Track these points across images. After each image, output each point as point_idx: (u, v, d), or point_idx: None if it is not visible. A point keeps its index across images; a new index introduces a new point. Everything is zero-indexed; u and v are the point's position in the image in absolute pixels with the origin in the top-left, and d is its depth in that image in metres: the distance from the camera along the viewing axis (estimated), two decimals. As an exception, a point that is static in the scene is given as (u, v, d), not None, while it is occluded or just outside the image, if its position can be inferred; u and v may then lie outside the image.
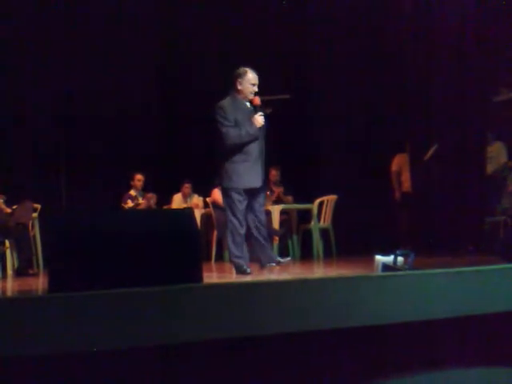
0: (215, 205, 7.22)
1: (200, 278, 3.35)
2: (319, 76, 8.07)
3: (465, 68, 6.74)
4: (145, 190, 7.67)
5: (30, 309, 2.45)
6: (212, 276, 5.57)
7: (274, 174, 7.88)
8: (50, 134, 7.45)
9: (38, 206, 6.44)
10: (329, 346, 2.79)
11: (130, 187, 7.66)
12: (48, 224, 4.14)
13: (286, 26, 8.00)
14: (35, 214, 6.34)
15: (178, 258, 3.33)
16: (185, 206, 7.66)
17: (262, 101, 5.09)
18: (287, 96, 7.37)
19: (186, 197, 8.05)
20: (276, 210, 7.38)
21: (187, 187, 8.01)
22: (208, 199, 7.45)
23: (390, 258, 3.69)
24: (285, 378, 2.79)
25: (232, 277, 5.37)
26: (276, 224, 7.30)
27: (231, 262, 5.30)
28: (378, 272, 3.91)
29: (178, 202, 7.98)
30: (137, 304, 2.77)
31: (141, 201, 7.45)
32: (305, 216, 7.57)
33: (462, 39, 6.68)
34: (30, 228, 6.21)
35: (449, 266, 3.87)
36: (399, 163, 7.57)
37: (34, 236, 6.29)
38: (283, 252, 7.27)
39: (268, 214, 7.41)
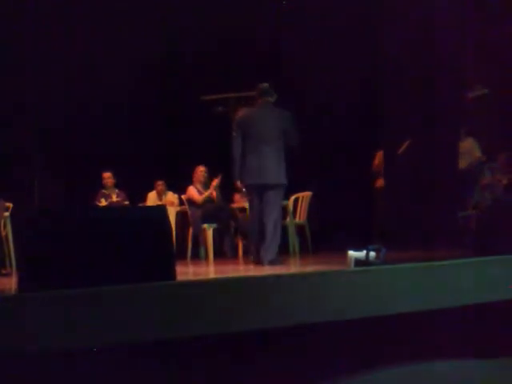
0: (190, 202, 7.22)
1: (173, 275, 3.34)
2: (297, 73, 8.10)
3: (438, 65, 6.81)
4: (118, 187, 7.62)
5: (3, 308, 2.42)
6: (188, 273, 5.55)
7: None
8: (23, 131, 7.37)
9: (10, 205, 6.36)
10: (311, 341, 2.80)
11: (102, 186, 7.61)
12: (20, 222, 4.09)
13: (271, 23, 8.01)
14: (7, 213, 6.25)
15: (150, 255, 3.32)
16: (159, 203, 7.63)
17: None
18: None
19: (160, 194, 8.02)
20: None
21: (160, 184, 7.99)
22: (183, 196, 7.43)
23: (362, 253, 3.72)
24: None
25: (207, 275, 5.37)
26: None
27: None
28: (351, 267, 3.94)
29: (152, 199, 7.95)
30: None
31: (115, 198, 7.41)
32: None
33: (433, 37, 6.75)
34: (2, 227, 6.13)
35: (420, 260, 3.90)
36: (380, 159, 7.65)
37: (6, 235, 6.20)
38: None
39: (243, 210, 7.45)
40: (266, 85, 5.48)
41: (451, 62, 6.68)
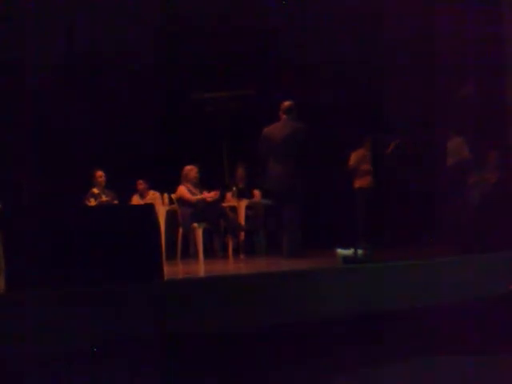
0: (181, 201, 7.20)
1: (161, 272, 3.34)
2: (284, 73, 8.11)
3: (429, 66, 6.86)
4: (107, 187, 7.60)
5: None
6: (177, 272, 5.56)
7: (241, 171, 7.94)
8: (13, 130, 7.34)
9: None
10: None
11: (92, 185, 7.58)
12: (8, 221, 4.07)
13: (257, 19, 8.00)
14: (-5, 212, 6.21)
15: (138, 254, 3.31)
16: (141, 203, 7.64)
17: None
18: (252, 91, 7.44)
19: (141, 194, 8.01)
20: (242, 206, 7.39)
21: (141, 183, 8.00)
22: (173, 195, 7.41)
23: (350, 251, 3.74)
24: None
25: (197, 274, 5.37)
26: (242, 219, 7.32)
27: None
28: (340, 264, 3.97)
29: (136, 201, 7.95)
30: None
31: (104, 198, 7.38)
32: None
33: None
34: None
35: (407, 258, 3.93)
36: (357, 159, 7.66)
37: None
38: (250, 247, 7.30)
39: (234, 209, 7.45)
40: (287, 103, 6.32)
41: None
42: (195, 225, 6.92)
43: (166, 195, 7.80)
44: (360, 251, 3.70)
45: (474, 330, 3.08)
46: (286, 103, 6.32)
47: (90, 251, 3.36)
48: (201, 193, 7.23)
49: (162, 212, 7.12)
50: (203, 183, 7.38)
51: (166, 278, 3.53)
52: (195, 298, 2.91)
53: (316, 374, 2.87)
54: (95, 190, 7.51)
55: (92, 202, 7.29)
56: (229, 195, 7.73)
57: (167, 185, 7.62)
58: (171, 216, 7.54)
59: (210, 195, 7.13)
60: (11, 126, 7.41)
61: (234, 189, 7.81)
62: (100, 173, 7.52)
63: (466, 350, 3.03)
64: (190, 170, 7.30)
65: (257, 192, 7.89)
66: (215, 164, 7.76)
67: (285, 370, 2.87)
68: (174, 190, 7.40)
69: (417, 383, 2.90)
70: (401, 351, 2.94)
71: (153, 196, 7.95)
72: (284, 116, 6.31)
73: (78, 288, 2.99)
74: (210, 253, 7.20)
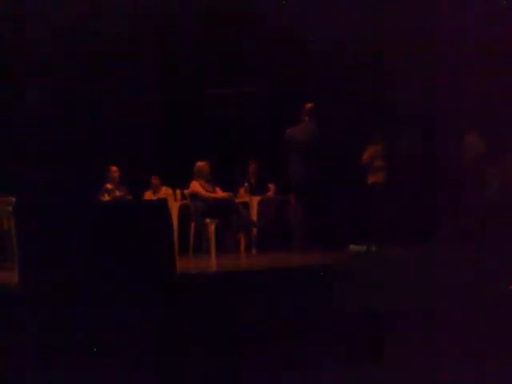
0: (194, 196, 7.21)
1: (174, 266, 3.35)
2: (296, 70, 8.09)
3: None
4: (120, 183, 7.63)
5: None
6: (189, 267, 5.57)
7: (253, 166, 7.94)
8: (24, 124, 7.39)
9: (12, 199, 6.36)
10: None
11: (105, 180, 7.62)
12: (22, 217, 4.11)
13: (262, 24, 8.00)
14: (9, 208, 6.26)
15: (151, 249, 3.33)
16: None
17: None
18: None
19: (154, 190, 8.05)
20: (254, 202, 7.39)
21: (155, 178, 8.05)
22: (186, 191, 7.43)
23: (363, 247, 3.73)
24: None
25: (210, 269, 5.38)
26: (254, 215, 7.32)
27: None
28: (352, 260, 3.96)
29: (148, 197, 7.99)
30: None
31: (118, 193, 7.41)
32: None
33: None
34: (5, 222, 6.14)
35: (420, 254, 3.92)
36: (370, 155, 7.62)
37: (9, 230, 6.21)
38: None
39: (246, 205, 7.45)
40: (309, 105, 6.71)
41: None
42: (208, 220, 6.94)
43: (178, 191, 7.82)
44: (372, 247, 3.69)
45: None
46: (308, 105, 6.69)
47: (104, 245, 3.37)
48: (213, 188, 7.24)
49: (174, 208, 7.14)
50: (215, 179, 7.40)
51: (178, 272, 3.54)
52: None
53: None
54: (109, 186, 7.54)
55: (106, 198, 7.32)
56: (241, 191, 7.73)
57: (176, 181, 7.64)
58: (183, 212, 7.56)
59: (223, 195, 7.16)
60: (25, 123, 7.46)
61: (246, 184, 7.81)
62: (114, 168, 7.56)
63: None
64: (203, 165, 7.31)
65: (271, 186, 7.86)
66: (226, 160, 7.78)
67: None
68: (183, 186, 7.42)
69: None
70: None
71: (165, 192, 7.99)
72: (306, 118, 6.67)
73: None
74: (221, 248, 7.21)
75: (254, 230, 7.22)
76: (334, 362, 2.95)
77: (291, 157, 6.69)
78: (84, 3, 7.72)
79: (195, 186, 7.19)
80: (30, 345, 3.05)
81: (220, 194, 7.18)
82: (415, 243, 5.78)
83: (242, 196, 7.62)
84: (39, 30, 7.48)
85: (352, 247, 3.88)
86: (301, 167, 6.62)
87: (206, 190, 7.18)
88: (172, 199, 7.61)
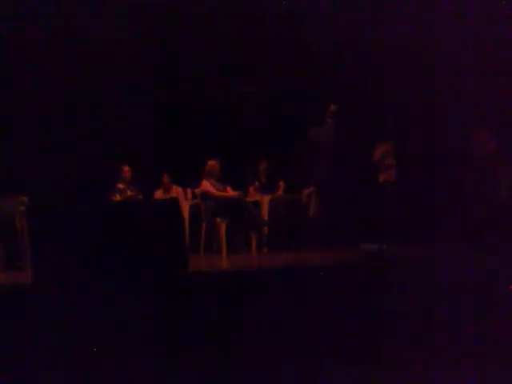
0: (204, 195, 7.23)
1: (186, 265, 3.36)
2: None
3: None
4: (132, 182, 7.66)
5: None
6: (201, 266, 5.58)
7: (264, 165, 7.95)
8: (35, 123, 7.44)
9: (25, 199, 6.41)
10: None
11: (117, 180, 7.65)
12: (35, 216, 4.14)
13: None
14: (22, 207, 6.31)
15: (164, 246, 3.34)
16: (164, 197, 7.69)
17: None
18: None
19: (166, 189, 8.07)
20: (265, 200, 7.40)
21: (166, 177, 8.07)
22: (197, 190, 7.45)
23: (374, 246, 3.73)
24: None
25: (222, 268, 5.39)
26: (265, 214, 7.32)
27: None
28: (364, 259, 3.96)
29: (159, 196, 8.02)
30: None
31: (129, 193, 7.44)
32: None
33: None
34: (18, 221, 6.18)
35: (430, 254, 3.92)
36: (382, 153, 7.59)
37: (22, 229, 6.26)
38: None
39: (257, 204, 7.46)
40: (333, 107, 6.96)
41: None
42: (218, 219, 6.95)
43: (189, 190, 7.84)
44: (385, 246, 3.69)
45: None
46: (332, 107, 6.97)
47: (117, 245, 3.39)
48: (224, 188, 7.26)
49: (185, 207, 7.16)
50: (225, 178, 7.42)
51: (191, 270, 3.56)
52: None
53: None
54: (120, 185, 7.57)
55: (117, 197, 7.35)
56: (251, 190, 7.74)
57: (187, 180, 7.67)
58: (194, 211, 7.58)
59: (233, 194, 7.18)
60: (35, 123, 7.50)
61: (257, 183, 7.82)
62: (127, 168, 7.58)
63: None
64: (214, 165, 7.33)
65: (281, 184, 7.87)
66: (237, 159, 7.79)
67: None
68: (193, 185, 7.45)
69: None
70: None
71: (176, 191, 8.01)
72: (329, 119, 6.95)
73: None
74: (232, 247, 7.22)
75: (265, 229, 7.23)
76: (346, 362, 2.96)
77: (314, 157, 6.98)
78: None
79: (206, 185, 7.21)
80: (42, 343, 3.07)
81: (231, 192, 7.21)
82: (424, 242, 5.77)
83: (253, 195, 7.63)
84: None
85: (363, 246, 3.88)
86: (326, 168, 6.89)
87: (217, 190, 7.20)
88: (183, 198, 7.64)
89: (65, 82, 7.68)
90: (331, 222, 6.41)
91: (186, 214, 6.96)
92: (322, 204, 6.88)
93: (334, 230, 6.35)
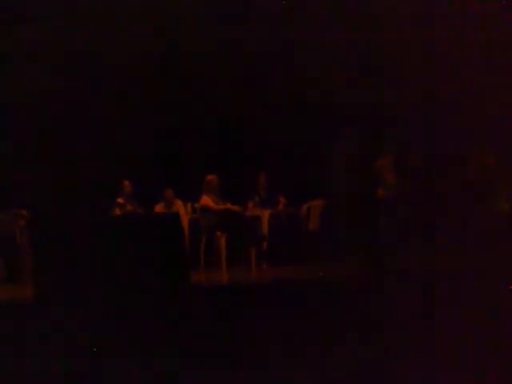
0: (204, 210, 7.24)
1: (187, 279, 3.38)
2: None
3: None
4: (131, 197, 7.66)
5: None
6: (200, 280, 5.60)
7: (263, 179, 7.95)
8: (35, 137, 7.47)
9: (25, 213, 6.41)
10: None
11: (118, 194, 7.66)
12: (37, 231, 4.16)
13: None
14: (22, 221, 6.32)
15: (165, 259, 3.37)
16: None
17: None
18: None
19: (168, 202, 7.92)
20: (265, 215, 7.40)
21: (168, 191, 7.93)
22: (196, 205, 7.47)
23: (373, 260, 3.76)
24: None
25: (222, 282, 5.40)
26: (265, 229, 7.32)
27: None
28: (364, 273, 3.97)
29: (159, 209, 7.93)
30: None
31: (129, 208, 7.45)
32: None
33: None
34: (19, 235, 6.19)
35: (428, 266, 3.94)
36: (382, 166, 7.59)
37: (24, 243, 6.26)
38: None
39: (257, 219, 7.46)
40: None
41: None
42: (218, 233, 6.96)
43: (189, 204, 7.85)
44: (383, 260, 3.71)
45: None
46: None
47: (119, 259, 3.42)
48: (223, 202, 7.28)
49: (184, 221, 7.16)
50: (224, 192, 7.44)
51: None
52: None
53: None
54: (120, 200, 7.58)
55: (117, 212, 7.35)
56: (250, 204, 7.71)
57: (186, 194, 7.67)
58: (193, 225, 7.58)
59: (233, 208, 7.20)
60: (35, 137, 7.53)
61: (257, 198, 7.82)
62: (127, 182, 7.59)
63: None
64: (212, 179, 7.35)
65: (282, 199, 7.84)
66: (236, 173, 7.80)
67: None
68: (193, 199, 7.46)
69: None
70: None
71: (180, 206, 7.95)
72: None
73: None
74: (232, 262, 7.22)
75: (265, 244, 7.23)
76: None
77: (333, 169, 7.06)
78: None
79: (205, 199, 7.23)
80: (45, 354, 3.09)
81: (229, 206, 7.22)
82: (425, 255, 5.77)
83: (252, 210, 7.62)
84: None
85: (363, 258, 3.91)
86: (346, 180, 6.92)
87: (216, 204, 7.22)
88: (184, 212, 7.63)
89: (65, 94, 7.71)
90: (337, 236, 6.36)
91: (185, 228, 6.96)
92: (326, 217, 6.87)
93: (335, 243, 6.33)
